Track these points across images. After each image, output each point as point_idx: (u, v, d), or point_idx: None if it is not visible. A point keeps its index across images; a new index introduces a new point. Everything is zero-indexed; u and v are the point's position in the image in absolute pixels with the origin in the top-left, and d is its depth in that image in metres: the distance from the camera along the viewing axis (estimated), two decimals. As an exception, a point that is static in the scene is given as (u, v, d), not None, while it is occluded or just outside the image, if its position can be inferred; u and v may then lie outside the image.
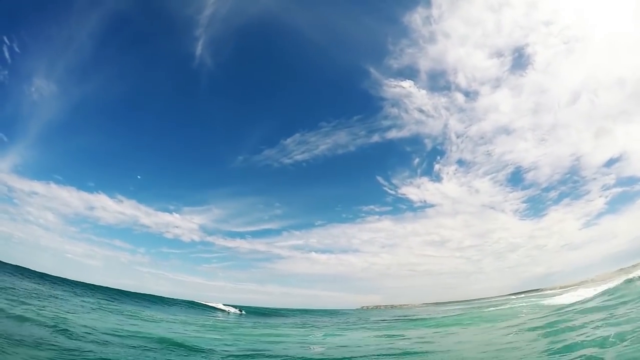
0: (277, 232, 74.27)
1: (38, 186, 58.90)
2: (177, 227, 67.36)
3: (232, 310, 41.71)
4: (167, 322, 21.51)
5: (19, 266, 37.10)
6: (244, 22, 68.73)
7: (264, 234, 77.78)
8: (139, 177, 71.54)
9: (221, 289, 71.34)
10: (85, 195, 62.55)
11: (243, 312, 40.77)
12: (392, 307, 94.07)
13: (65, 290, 29.48)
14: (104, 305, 23.88)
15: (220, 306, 43.04)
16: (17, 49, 54.05)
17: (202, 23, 63.58)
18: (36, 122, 60.97)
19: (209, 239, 69.06)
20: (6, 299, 16.19)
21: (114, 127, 73.82)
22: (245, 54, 75.19)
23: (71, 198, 61.65)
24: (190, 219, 68.43)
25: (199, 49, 65.16)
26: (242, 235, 71.76)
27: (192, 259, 73.27)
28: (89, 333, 11.49)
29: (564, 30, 62.26)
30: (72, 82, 64.37)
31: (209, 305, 43.36)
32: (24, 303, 15.86)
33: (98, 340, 10.72)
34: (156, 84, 75.11)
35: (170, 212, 68.40)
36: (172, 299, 43.22)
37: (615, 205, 67.22)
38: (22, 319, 11.67)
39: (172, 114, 77.62)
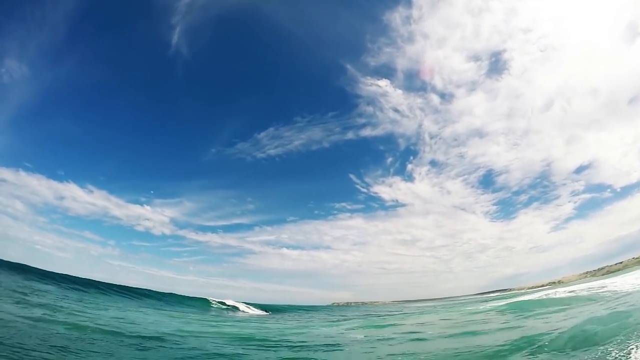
0: (249, 227, 73.66)
1: (7, 173, 55.32)
2: (148, 219, 65.20)
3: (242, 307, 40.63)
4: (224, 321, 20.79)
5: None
6: (222, 12, 67.30)
7: (236, 228, 76.77)
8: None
9: (191, 283, 68.99)
10: (54, 184, 58.85)
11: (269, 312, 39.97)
12: (363, 303, 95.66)
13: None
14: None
15: (232, 303, 41.57)
16: (-13, 28, 49.71)
17: (180, 10, 60.92)
18: (6, 105, 56.85)
19: (180, 232, 66.98)
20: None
21: (86, 113, 70.22)
22: (222, 45, 72.93)
23: (40, 187, 58.13)
24: (161, 212, 66.26)
25: (175, 37, 62.43)
26: (213, 230, 69.97)
27: (163, 253, 70.51)
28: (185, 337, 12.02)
29: (541, 38, 63.85)
30: (44, 64, 60.76)
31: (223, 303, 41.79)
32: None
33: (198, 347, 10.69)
34: (130, 71, 71.93)
35: (141, 204, 65.76)
36: (182, 295, 41.37)
37: (583, 210, 69.71)
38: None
39: (145, 102, 73.97)
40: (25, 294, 18.14)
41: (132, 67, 70.86)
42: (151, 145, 75.59)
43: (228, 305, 39.65)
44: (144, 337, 11.01)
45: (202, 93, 76.41)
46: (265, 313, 38.37)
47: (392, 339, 13.26)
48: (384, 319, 24.54)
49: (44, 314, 12.83)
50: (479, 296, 71.76)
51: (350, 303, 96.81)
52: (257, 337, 14.01)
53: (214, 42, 69.97)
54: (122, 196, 64.23)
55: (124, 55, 70.38)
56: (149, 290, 39.78)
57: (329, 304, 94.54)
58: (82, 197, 60.13)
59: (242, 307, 41.10)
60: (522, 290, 61.53)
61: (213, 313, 33.78)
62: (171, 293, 41.27)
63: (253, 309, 41.53)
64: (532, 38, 64.63)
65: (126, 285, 39.00)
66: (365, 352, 11.14)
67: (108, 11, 63.56)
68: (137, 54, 71.64)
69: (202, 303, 39.70)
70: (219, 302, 41.23)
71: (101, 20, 63.05)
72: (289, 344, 12.52)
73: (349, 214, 73.69)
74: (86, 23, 63.34)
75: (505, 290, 73.17)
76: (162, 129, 75.11)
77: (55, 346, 8.19)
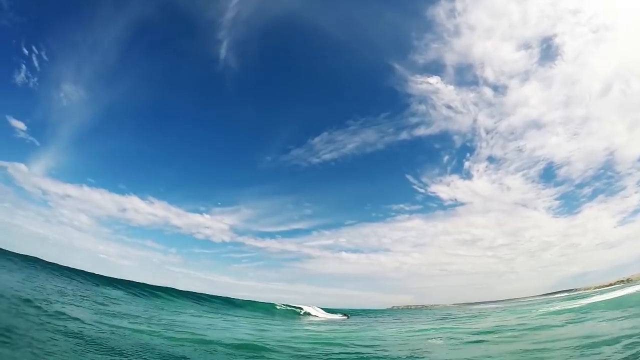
0: (306, 231, 74.69)
1: (71, 189, 60.53)
2: (207, 227, 68.40)
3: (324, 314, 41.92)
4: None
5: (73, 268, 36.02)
6: (267, 23, 68.92)
7: (294, 233, 78.51)
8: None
9: (252, 288, 72.50)
10: (117, 197, 63.59)
11: (348, 316, 42.03)
12: (423, 307, 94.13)
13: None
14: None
15: (312, 310, 42.63)
16: (45, 57, 55.73)
17: (225, 25, 64.32)
18: (67, 126, 62.53)
19: (240, 239, 69.54)
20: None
21: (143, 130, 74.50)
22: (269, 55, 75.78)
23: (103, 200, 62.96)
24: (220, 220, 69.20)
25: (223, 51, 65.45)
26: (272, 235, 72.46)
27: (223, 259, 73.39)
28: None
29: (592, 18, 60.24)
30: (100, 86, 65.86)
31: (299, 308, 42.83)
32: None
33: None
34: (182, 87, 75.56)
35: (200, 213, 68.89)
36: (256, 302, 43.26)
37: None
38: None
39: (198, 116, 77.75)
40: (103, 303, 18.30)
41: (184, 83, 75.10)
42: (208, 156, 78.59)
43: (304, 311, 41.57)
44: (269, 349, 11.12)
45: (253, 103, 78.96)
46: (343, 317, 40.56)
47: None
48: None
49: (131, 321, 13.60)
50: (543, 297, 70.32)
51: (410, 306, 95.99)
52: (368, 339, 15.72)
53: (261, 53, 73.72)
54: (182, 206, 67.77)
55: (174, 72, 75.28)
56: (214, 295, 41.22)
57: (389, 307, 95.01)
58: (143, 209, 64.24)
59: (319, 312, 42.95)
60: (589, 291, 60.54)
61: (299, 319, 36.24)
62: (237, 299, 43.08)
63: (326, 313, 43.45)
64: (582, 19, 61.03)
65: (190, 290, 40.79)
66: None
67: (156, 31, 71.05)
68: (186, 70, 75.87)
69: (278, 309, 41.22)
70: (294, 307, 42.78)
71: (150, 40, 70.47)
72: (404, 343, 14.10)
73: (407, 215, 73.51)
74: (136, 44, 68.62)
75: (571, 290, 71.24)
76: (217, 139, 78.08)
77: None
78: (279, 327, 21.62)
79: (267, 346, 11.46)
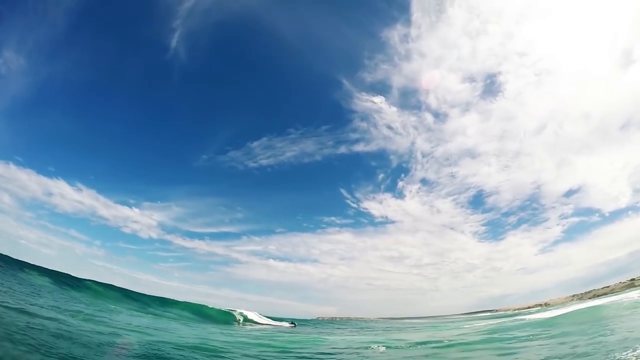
0: (236, 235, 74.09)
1: None
2: (135, 222, 65.22)
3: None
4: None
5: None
6: (223, 18, 67.13)
7: (223, 236, 77.02)
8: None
9: (176, 289, 69.26)
10: (44, 179, 58.56)
11: (295, 324, 39.59)
12: (348, 319, 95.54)
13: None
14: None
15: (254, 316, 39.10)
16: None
17: (181, 14, 61.48)
18: (1, 97, 56.66)
19: (167, 237, 66.94)
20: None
21: (80, 111, 69.17)
22: (221, 51, 73.56)
23: (30, 181, 57.57)
24: (149, 215, 66.09)
25: (174, 40, 63.11)
26: (200, 236, 70.67)
27: (148, 256, 69.98)
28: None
29: (536, 62, 65.17)
30: (41, 58, 60.13)
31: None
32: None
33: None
34: (127, 71, 71.03)
35: (129, 206, 65.43)
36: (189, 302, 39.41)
37: (571, 234, 70.73)
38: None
39: (140, 103, 73.51)
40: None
41: (130, 68, 70.34)
42: (143, 147, 74.99)
43: (247, 316, 38.13)
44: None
45: (197, 98, 76.85)
46: (291, 325, 38.36)
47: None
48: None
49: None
50: (467, 315, 74.63)
51: (336, 318, 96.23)
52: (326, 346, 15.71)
53: (213, 48, 71.17)
54: (111, 197, 63.86)
55: (122, 55, 70.24)
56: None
57: (314, 317, 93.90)
58: (70, 195, 59.68)
59: (262, 319, 39.76)
60: (509, 312, 65.25)
61: (241, 325, 33.51)
62: (172, 299, 39.38)
63: (271, 320, 40.57)
64: (527, 62, 65.60)
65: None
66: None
67: (109, 10, 64.58)
68: (135, 55, 71.07)
69: (211, 311, 37.47)
70: (229, 311, 38.92)
71: (101, 18, 64.29)
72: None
73: (337, 228, 74.46)
74: (86, 20, 63.21)
75: (492, 310, 76.71)
76: (155, 131, 75.20)
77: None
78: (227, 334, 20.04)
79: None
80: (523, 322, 25.46)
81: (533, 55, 65.66)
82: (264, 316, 40.21)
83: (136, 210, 65.32)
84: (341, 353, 14.31)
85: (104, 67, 69.63)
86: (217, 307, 37.80)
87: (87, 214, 62.62)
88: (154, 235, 66.60)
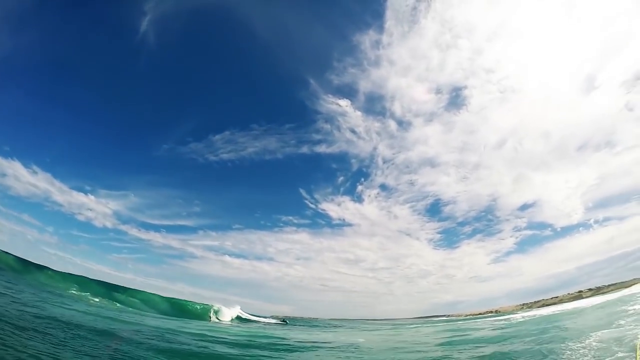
0: (193, 229, 72.57)
1: None
2: (90, 209, 62.46)
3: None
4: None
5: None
6: (196, 6, 66.27)
7: (180, 230, 75.64)
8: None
9: (130, 281, 64.31)
10: None
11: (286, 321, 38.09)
12: (302, 318, 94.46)
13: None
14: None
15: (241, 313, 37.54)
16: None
17: None
18: None
19: (123, 227, 65.01)
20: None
21: (40, 89, 64.39)
22: (191, 40, 72.08)
23: None
24: (105, 203, 64.03)
25: (144, 24, 60.90)
26: (156, 229, 68.36)
27: (102, 246, 67.63)
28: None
29: (502, 79, 67.18)
30: (4, 31, 55.46)
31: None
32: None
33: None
34: (93, 52, 67.22)
35: (85, 192, 62.40)
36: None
37: (524, 246, 74.69)
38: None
39: (103, 86, 70.67)
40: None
41: (96, 48, 66.80)
42: (103, 132, 72.06)
43: (235, 314, 36.56)
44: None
45: (162, 85, 74.22)
46: (282, 322, 37.66)
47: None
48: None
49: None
50: (422, 319, 77.76)
51: (289, 317, 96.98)
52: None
53: (183, 35, 69.48)
54: (66, 181, 61.15)
55: (88, 34, 65.92)
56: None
57: (268, 316, 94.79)
58: (25, 177, 56.41)
59: (249, 316, 38.48)
60: (462, 317, 69.15)
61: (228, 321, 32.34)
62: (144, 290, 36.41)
63: (259, 317, 39.87)
64: (493, 78, 67.65)
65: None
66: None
67: None
68: (103, 35, 67.08)
69: (189, 307, 35.08)
70: (207, 305, 36.59)
71: None
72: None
73: (294, 228, 75.23)
74: None
75: (443, 316, 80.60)
76: (116, 116, 71.97)
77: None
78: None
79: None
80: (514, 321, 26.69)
81: (500, 72, 68.69)
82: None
83: (92, 197, 62.66)
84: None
85: (69, 45, 64.96)
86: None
87: (41, 198, 58.90)
88: (109, 224, 64.10)
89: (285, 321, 38.61)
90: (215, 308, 34.23)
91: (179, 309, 32.66)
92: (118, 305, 26.81)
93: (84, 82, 68.08)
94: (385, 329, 32.87)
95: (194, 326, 20.00)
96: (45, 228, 60.80)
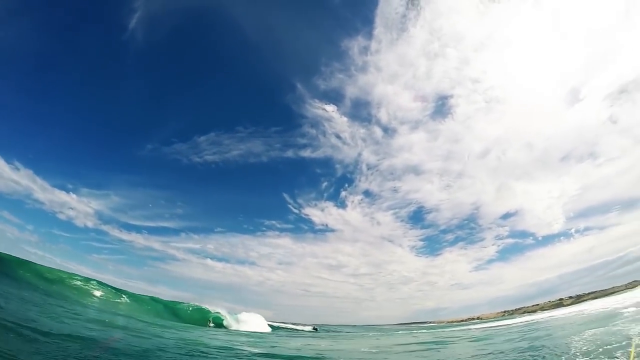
0: (175, 231, 71.16)
1: None
2: (72, 208, 60.63)
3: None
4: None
5: None
6: (187, 6, 64.89)
7: (162, 231, 72.69)
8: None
9: (110, 283, 63.89)
10: None
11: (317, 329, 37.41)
12: (284, 323, 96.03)
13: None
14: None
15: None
16: None
17: None
18: None
19: (104, 227, 62.87)
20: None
21: (25, 82, 61.39)
22: (179, 39, 70.05)
23: None
24: (87, 202, 61.67)
25: (133, 21, 59.33)
26: (138, 230, 66.69)
27: (82, 247, 65.09)
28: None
29: (488, 90, 67.41)
30: None
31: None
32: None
33: None
34: (79, 47, 64.38)
35: (67, 190, 60.44)
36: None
37: (505, 254, 74.29)
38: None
39: (88, 82, 67.55)
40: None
41: (83, 43, 63.85)
42: (87, 130, 69.10)
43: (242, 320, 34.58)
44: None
45: (148, 84, 72.45)
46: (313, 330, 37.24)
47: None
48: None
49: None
50: (405, 326, 79.27)
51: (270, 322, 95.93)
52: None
53: (171, 34, 67.88)
54: (49, 179, 58.88)
55: (76, 29, 63.25)
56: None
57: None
58: (6, 173, 54.01)
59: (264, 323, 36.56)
60: (443, 324, 71.06)
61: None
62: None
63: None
64: (479, 88, 68.02)
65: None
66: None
67: None
68: (90, 30, 64.59)
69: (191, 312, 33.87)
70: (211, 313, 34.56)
71: None
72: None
73: (277, 233, 73.73)
74: None
75: (425, 322, 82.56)
76: (101, 114, 69.88)
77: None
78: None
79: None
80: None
81: (486, 82, 68.90)
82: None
83: (73, 196, 60.54)
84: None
85: (55, 40, 62.08)
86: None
87: (22, 195, 56.55)
88: (90, 224, 61.82)
89: (316, 329, 38.55)
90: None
91: (175, 313, 31.90)
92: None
93: (69, 78, 65.17)
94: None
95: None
96: (25, 226, 58.46)
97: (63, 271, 29.14)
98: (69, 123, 66.52)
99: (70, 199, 59.58)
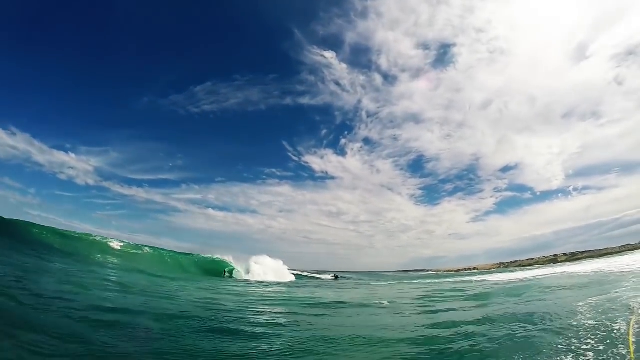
0: (175, 183, 73.84)
1: None
2: (71, 167, 62.22)
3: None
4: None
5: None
6: None
7: (162, 184, 75.11)
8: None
9: (114, 239, 64.95)
10: None
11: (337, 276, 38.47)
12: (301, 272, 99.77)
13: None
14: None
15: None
16: None
17: None
18: None
19: (105, 184, 64.72)
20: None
21: (15, 44, 59.98)
22: None
23: None
24: (86, 160, 63.39)
25: None
26: (139, 184, 68.67)
27: (85, 204, 68.16)
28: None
29: (492, 40, 67.32)
30: None
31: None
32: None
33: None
34: (68, 3, 64.02)
35: (65, 150, 61.65)
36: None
37: (503, 207, 77.95)
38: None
39: (79, 40, 67.02)
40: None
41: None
42: (80, 87, 69.97)
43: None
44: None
45: (140, 37, 70.88)
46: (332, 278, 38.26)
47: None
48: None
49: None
50: (404, 273, 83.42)
51: None
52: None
53: None
54: (46, 141, 60.21)
55: None
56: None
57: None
58: (3, 139, 55.56)
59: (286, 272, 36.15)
60: (440, 272, 74.63)
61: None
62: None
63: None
64: (483, 38, 67.67)
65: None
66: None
67: None
68: None
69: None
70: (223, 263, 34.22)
71: None
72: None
73: (277, 181, 75.29)
74: None
75: (422, 270, 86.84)
76: (94, 70, 69.51)
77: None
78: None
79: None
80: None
81: (490, 33, 67.78)
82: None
83: (72, 155, 61.89)
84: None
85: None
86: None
87: (21, 159, 58.31)
88: (91, 182, 63.53)
89: (337, 277, 40.00)
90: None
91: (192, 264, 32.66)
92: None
93: (58, 37, 64.02)
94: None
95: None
96: (27, 190, 60.65)
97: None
98: (62, 82, 67.07)
99: (69, 158, 61.38)
